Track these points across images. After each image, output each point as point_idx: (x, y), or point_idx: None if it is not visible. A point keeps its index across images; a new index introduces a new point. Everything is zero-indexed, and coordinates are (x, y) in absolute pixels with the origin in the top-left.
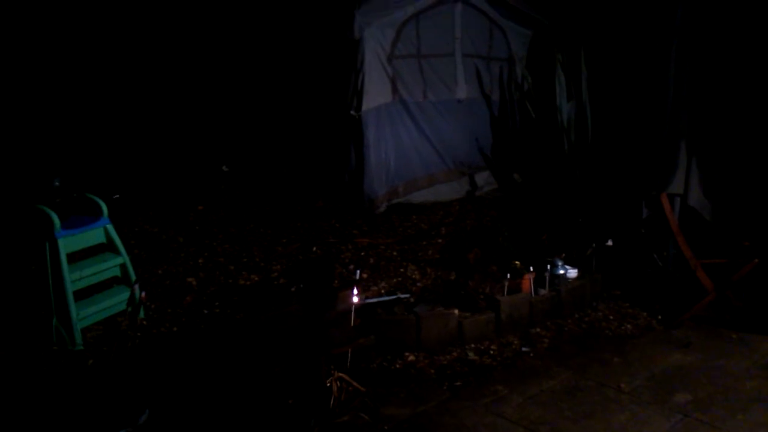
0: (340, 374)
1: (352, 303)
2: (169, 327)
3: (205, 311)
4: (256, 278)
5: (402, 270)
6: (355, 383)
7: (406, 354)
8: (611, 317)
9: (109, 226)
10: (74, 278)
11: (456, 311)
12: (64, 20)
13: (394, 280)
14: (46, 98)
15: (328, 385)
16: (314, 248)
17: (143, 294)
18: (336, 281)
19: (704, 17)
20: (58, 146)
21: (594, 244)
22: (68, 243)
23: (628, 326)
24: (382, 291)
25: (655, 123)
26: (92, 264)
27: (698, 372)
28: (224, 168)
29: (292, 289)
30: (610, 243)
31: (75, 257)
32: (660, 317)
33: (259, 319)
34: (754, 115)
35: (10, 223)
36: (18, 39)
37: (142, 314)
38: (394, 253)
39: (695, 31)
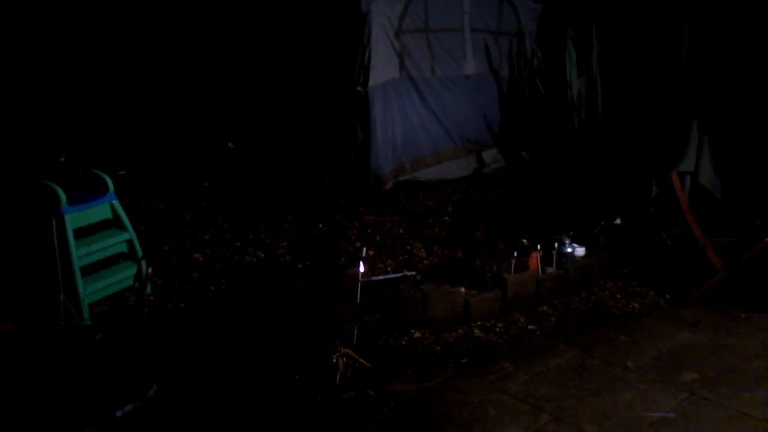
0: (347, 350)
1: (359, 280)
2: (176, 303)
3: (212, 287)
4: (263, 255)
5: (408, 247)
6: (361, 359)
7: (412, 331)
8: (619, 296)
9: (116, 202)
10: (81, 254)
11: (462, 289)
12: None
13: (401, 257)
14: (53, 74)
15: (335, 361)
16: (320, 225)
17: (150, 270)
18: (342, 258)
19: None
20: (63, 122)
21: (602, 222)
22: (75, 219)
23: (636, 305)
24: (389, 268)
25: (666, 100)
26: (99, 240)
27: (705, 351)
28: (230, 145)
29: (299, 266)
30: (618, 221)
31: (82, 233)
32: (668, 296)
33: (265, 296)
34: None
35: (16, 199)
36: (24, 17)
37: (149, 290)
38: (401, 231)
39: (709, 6)
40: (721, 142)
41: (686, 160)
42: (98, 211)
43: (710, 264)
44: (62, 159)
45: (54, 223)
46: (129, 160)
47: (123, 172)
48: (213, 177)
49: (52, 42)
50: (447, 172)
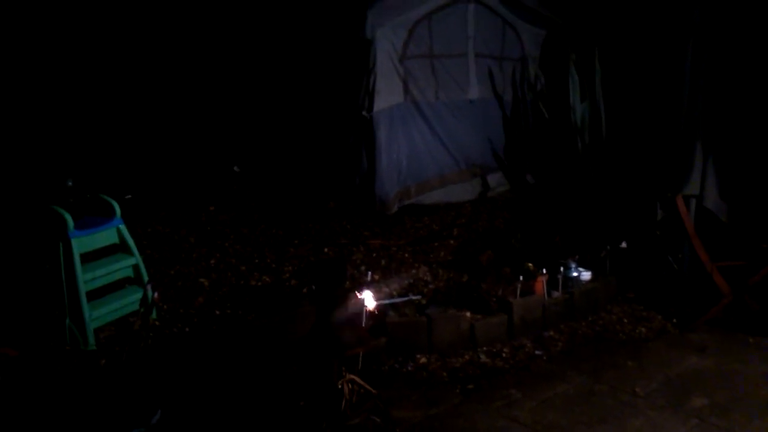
0: (352, 376)
1: (364, 304)
2: (181, 327)
3: (217, 312)
4: (268, 279)
5: (414, 271)
6: (366, 385)
7: (418, 356)
8: (625, 320)
9: (122, 227)
10: (87, 278)
11: (468, 313)
12: (77, 22)
13: (406, 281)
14: (59, 100)
15: (340, 387)
16: (326, 249)
17: (156, 294)
18: (347, 282)
19: (722, 16)
20: (70, 147)
21: (608, 246)
22: (82, 243)
23: (643, 329)
24: (394, 293)
25: (670, 124)
26: (105, 264)
27: (714, 376)
28: (235, 168)
29: (304, 291)
30: (624, 245)
31: (88, 257)
32: (675, 320)
33: (271, 321)
34: None
35: (24, 223)
36: (31, 41)
37: (154, 315)
38: (406, 255)
39: (712, 30)
40: (725, 166)
41: (691, 183)
42: (105, 236)
43: (717, 288)
44: (69, 183)
45: (61, 247)
46: (135, 185)
47: (129, 196)
48: (218, 201)
49: (61, 69)
50: (452, 196)
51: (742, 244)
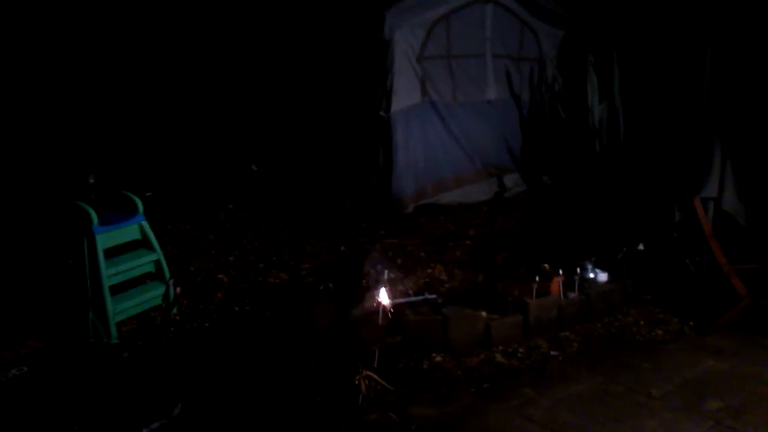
0: (369, 373)
1: (381, 302)
2: (200, 323)
3: (236, 308)
4: (285, 276)
5: (429, 271)
6: (383, 382)
7: (433, 355)
8: (642, 322)
9: (144, 223)
10: (110, 273)
11: (484, 313)
12: (101, 22)
13: (422, 280)
14: (83, 100)
15: (357, 383)
16: (342, 248)
17: (178, 290)
18: (364, 280)
19: (742, 17)
20: (92, 145)
21: (625, 248)
22: (105, 239)
23: (659, 332)
24: (410, 291)
25: (688, 126)
26: (128, 260)
27: (730, 379)
28: (253, 167)
29: (321, 288)
30: (641, 247)
31: (111, 253)
32: (692, 323)
33: (288, 317)
34: None
35: (48, 219)
36: (54, 39)
37: (174, 310)
38: (422, 254)
39: (732, 31)
40: (744, 168)
41: (709, 185)
42: (128, 232)
43: (735, 291)
44: (91, 180)
45: (85, 242)
46: (154, 182)
47: (149, 193)
48: (237, 199)
49: (82, 69)
50: (468, 196)
51: (760, 247)
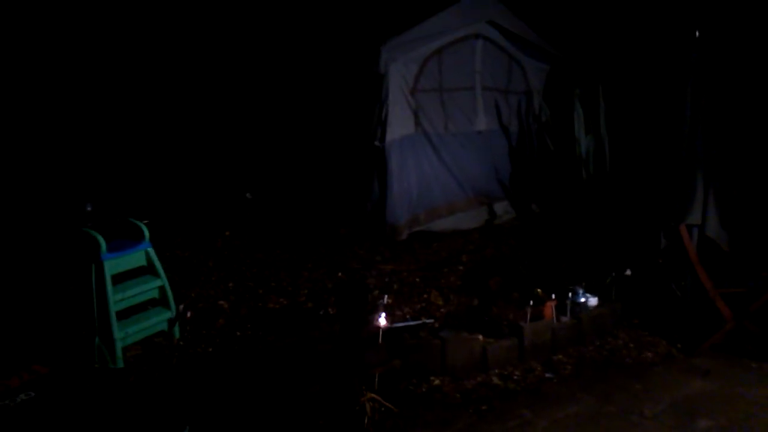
0: (373, 395)
1: (380, 326)
2: (204, 348)
3: (238, 333)
4: (285, 302)
5: (425, 296)
6: (387, 404)
7: (432, 378)
8: (631, 345)
9: (150, 250)
10: (117, 299)
11: (480, 336)
12: (96, 53)
13: (418, 305)
14: (78, 128)
15: (362, 405)
16: (339, 274)
17: (189, 313)
18: (363, 305)
19: (720, 53)
20: (89, 173)
21: (613, 273)
22: (113, 265)
23: (649, 354)
24: (407, 316)
25: (672, 156)
26: (134, 285)
27: (719, 399)
28: (248, 195)
29: (320, 313)
30: (629, 272)
31: (118, 279)
32: (679, 345)
33: (291, 341)
34: None
35: (54, 246)
36: (49, 68)
37: (177, 334)
38: (417, 280)
39: (711, 65)
40: (726, 196)
41: (693, 213)
42: (134, 258)
43: (720, 314)
44: (89, 208)
45: (93, 269)
46: (151, 210)
47: (146, 221)
48: (233, 226)
49: (81, 100)
50: (460, 223)
51: (744, 272)
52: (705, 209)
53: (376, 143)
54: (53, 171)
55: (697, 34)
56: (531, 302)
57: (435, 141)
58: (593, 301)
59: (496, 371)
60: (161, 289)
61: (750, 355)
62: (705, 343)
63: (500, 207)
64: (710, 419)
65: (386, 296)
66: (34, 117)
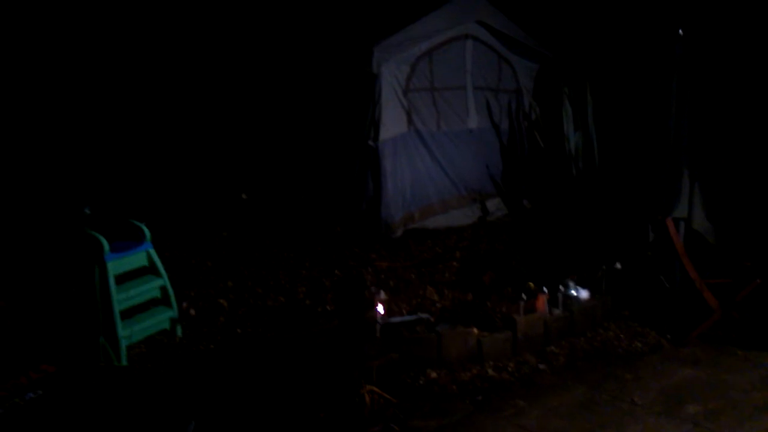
0: (371, 387)
1: (377, 322)
2: (206, 345)
3: (238, 330)
4: (283, 299)
5: (421, 292)
6: (386, 395)
7: (429, 371)
8: (622, 336)
9: (152, 250)
10: (121, 299)
11: (475, 330)
12: (94, 58)
13: (414, 301)
14: (77, 136)
15: (362, 396)
16: (336, 271)
17: (192, 311)
18: (360, 301)
19: (704, 49)
20: (86, 176)
21: (603, 267)
22: (116, 266)
23: (639, 344)
24: (404, 311)
25: (658, 151)
26: (137, 285)
27: (707, 386)
28: (243, 196)
29: (319, 309)
30: (618, 265)
31: (121, 279)
32: (669, 336)
33: (291, 337)
34: (753, 142)
35: (58, 247)
36: (48, 71)
37: (179, 332)
38: (412, 276)
39: (694, 62)
40: (711, 190)
41: (679, 206)
42: (137, 259)
43: (707, 304)
44: (87, 211)
45: (97, 269)
46: (148, 211)
47: (143, 223)
48: (230, 227)
49: (77, 104)
50: (453, 220)
51: (729, 263)
52: (691, 203)
53: (370, 142)
54: (54, 174)
55: (681, 31)
56: (524, 296)
57: (428, 139)
58: (584, 294)
59: (491, 363)
60: (163, 288)
61: (736, 343)
62: (693, 333)
63: (492, 204)
64: (699, 405)
65: (383, 292)
66: (34, 120)
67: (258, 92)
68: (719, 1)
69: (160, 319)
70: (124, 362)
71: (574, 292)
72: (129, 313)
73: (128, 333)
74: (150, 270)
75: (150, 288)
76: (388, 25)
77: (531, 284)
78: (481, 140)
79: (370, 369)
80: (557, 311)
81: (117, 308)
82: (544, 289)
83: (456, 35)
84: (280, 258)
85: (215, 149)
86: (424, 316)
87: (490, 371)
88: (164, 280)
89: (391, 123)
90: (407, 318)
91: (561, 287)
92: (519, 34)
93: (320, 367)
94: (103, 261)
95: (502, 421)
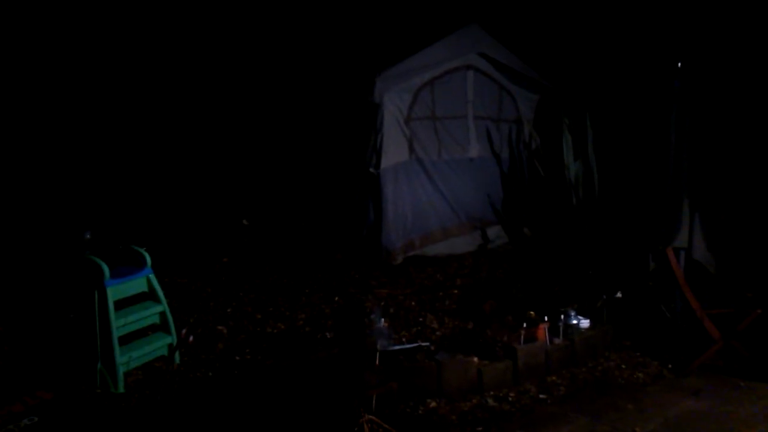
0: (370, 416)
1: (378, 350)
2: (204, 372)
3: (237, 357)
4: (283, 326)
5: (421, 319)
6: (385, 425)
7: (428, 400)
8: (623, 366)
9: (152, 276)
10: (120, 324)
11: (475, 359)
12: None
13: (414, 329)
14: (79, 162)
15: (360, 425)
16: (336, 298)
17: (191, 338)
18: (360, 329)
19: (702, 81)
20: (87, 201)
21: (604, 296)
22: (116, 291)
23: (640, 374)
24: (403, 339)
25: (658, 181)
26: (136, 311)
27: (709, 418)
28: (244, 222)
29: (318, 337)
30: (619, 295)
31: (120, 304)
32: (670, 366)
33: (290, 365)
34: (752, 172)
35: (57, 273)
36: (45, 87)
37: (177, 359)
38: (413, 303)
39: (694, 95)
40: (711, 220)
41: (680, 236)
42: (136, 284)
43: (708, 334)
44: (87, 236)
45: (96, 295)
46: (149, 237)
47: (144, 248)
48: (231, 253)
49: (74, 134)
50: (454, 248)
51: (730, 293)
52: (691, 233)
53: (371, 170)
54: (55, 198)
55: (680, 64)
56: (524, 325)
57: (429, 167)
58: (585, 323)
59: (492, 393)
60: (162, 314)
61: (738, 374)
62: (694, 363)
63: (493, 231)
64: None
65: (383, 320)
66: (35, 145)
67: (262, 119)
68: (717, 35)
69: (158, 346)
70: (121, 389)
71: (575, 321)
72: (127, 339)
73: (126, 359)
74: (150, 296)
75: (149, 314)
76: (390, 56)
77: (532, 313)
78: (481, 169)
79: (369, 398)
80: (558, 340)
81: (116, 334)
82: (545, 317)
83: (457, 66)
84: (280, 284)
85: (217, 175)
86: (425, 344)
87: (491, 401)
88: (164, 306)
89: (393, 151)
90: (407, 346)
91: (562, 316)
92: (520, 66)
93: (319, 396)
94: (103, 286)
95: None
